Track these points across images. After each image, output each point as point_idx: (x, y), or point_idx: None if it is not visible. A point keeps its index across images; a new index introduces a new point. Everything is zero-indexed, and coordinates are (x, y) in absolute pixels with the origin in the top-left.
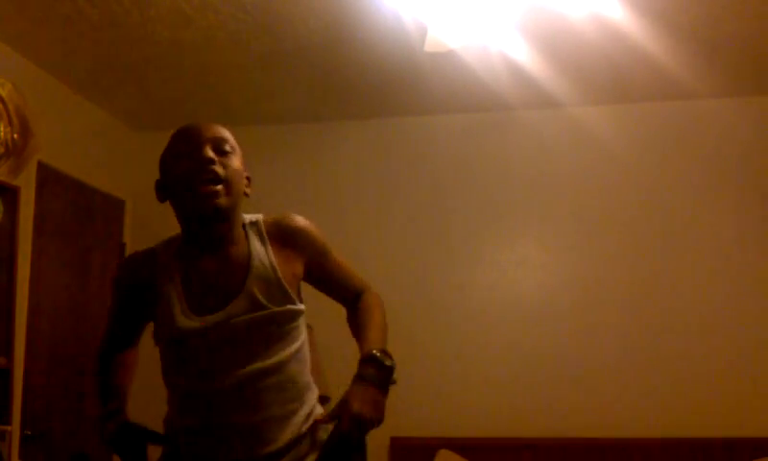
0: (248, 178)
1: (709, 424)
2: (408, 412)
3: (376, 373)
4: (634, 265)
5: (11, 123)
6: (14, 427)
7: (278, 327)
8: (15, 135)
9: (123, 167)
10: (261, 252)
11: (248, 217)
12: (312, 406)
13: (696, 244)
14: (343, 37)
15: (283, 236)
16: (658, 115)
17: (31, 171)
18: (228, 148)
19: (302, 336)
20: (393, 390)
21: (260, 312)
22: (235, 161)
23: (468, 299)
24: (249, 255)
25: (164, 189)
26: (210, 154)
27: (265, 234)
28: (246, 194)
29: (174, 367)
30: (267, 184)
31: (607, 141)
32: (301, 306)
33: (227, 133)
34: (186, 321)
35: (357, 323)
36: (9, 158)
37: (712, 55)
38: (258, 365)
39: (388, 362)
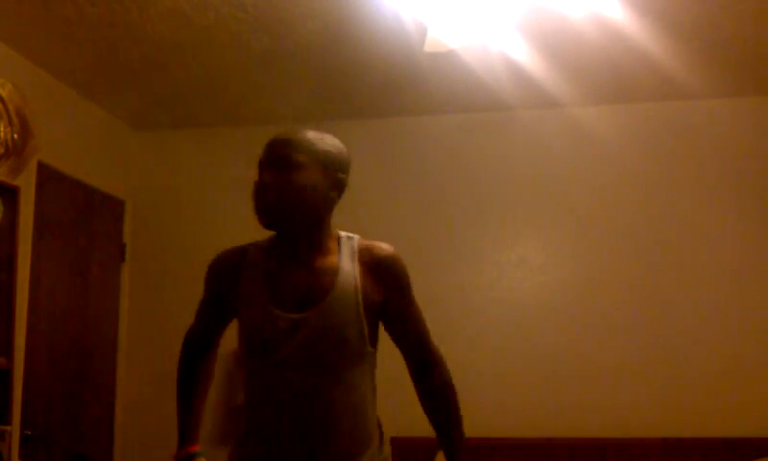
0: (338, 179)
1: (709, 424)
2: (408, 412)
3: None
4: (633, 265)
5: (11, 123)
6: (14, 427)
7: (344, 356)
8: (15, 135)
9: (123, 167)
10: (349, 270)
11: (344, 234)
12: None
13: (696, 244)
14: (343, 37)
15: (370, 261)
16: (658, 115)
17: (31, 171)
18: (291, 165)
19: (369, 377)
20: (392, 390)
21: (330, 333)
22: (300, 177)
23: (468, 299)
24: (337, 270)
25: None
26: (266, 178)
27: (356, 254)
28: (330, 199)
29: (254, 385)
30: None
31: (607, 141)
32: (371, 350)
33: (295, 147)
34: (267, 319)
35: (437, 416)
36: (9, 158)
37: (713, 55)
38: (327, 390)
39: None
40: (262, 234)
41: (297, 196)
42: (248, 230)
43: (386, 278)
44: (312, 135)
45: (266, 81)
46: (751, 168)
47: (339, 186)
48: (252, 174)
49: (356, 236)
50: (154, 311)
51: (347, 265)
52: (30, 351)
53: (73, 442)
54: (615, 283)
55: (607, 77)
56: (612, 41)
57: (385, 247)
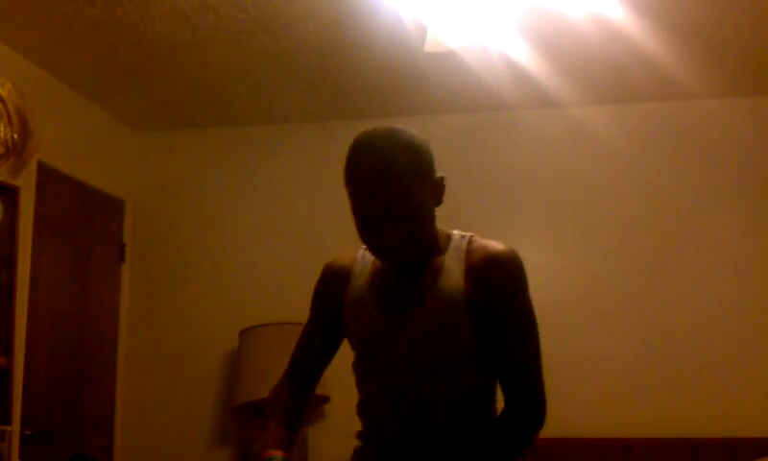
0: (438, 182)
1: (709, 424)
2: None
3: None
4: (634, 265)
5: (11, 123)
6: (14, 427)
7: (447, 358)
8: (15, 135)
9: (123, 167)
10: (454, 269)
11: (458, 233)
12: None
13: (696, 244)
14: (343, 38)
15: (478, 260)
16: (658, 115)
17: (31, 171)
18: (402, 214)
19: (477, 381)
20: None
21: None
22: (417, 220)
23: None
24: (441, 270)
25: None
26: (388, 237)
27: (464, 254)
28: (435, 204)
29: (363, 390)
30: (266, 184)
31: (607, 141)
32: (479, 350)
33: (397, 192)
34: (371, 323)
35: (503, 429)
36: (9, 158)
37: (712, 55)
38: (426, 398)
39: None
40: (262, 235)
41: (422, 236)
42: (247, 230)
43: (491, 278)
44: (402, 157)
45: (266, 81)
46: (751, 168)
47: (440, 187)
48: (246, 174)
49: (470, 235)
50: (154, 311)
51: (452, 265)
52: (30, 351)
53: (73, 442)
54: (615, 283)
55: (607, 77)
56: (611, 41)
57: (497, 246)
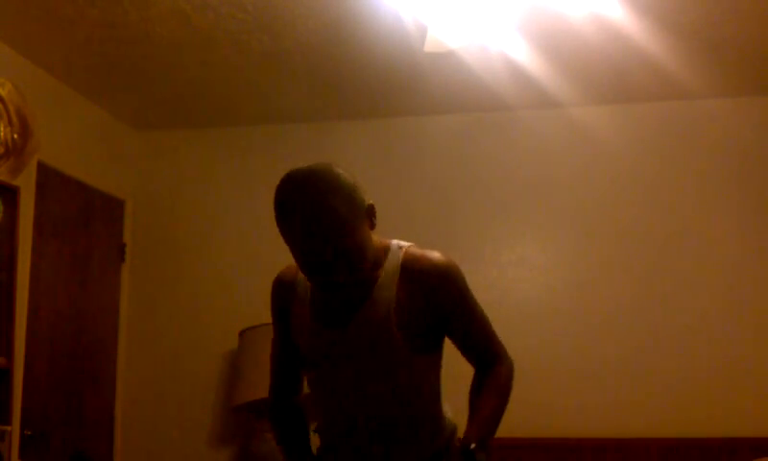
0: (369, 208)
1: (709, 424)
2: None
3: None
4: (633, 265)
5: (11, 123)
6: (14, 427)
7: (382, 363)
8: (15, 135)
9: (123, 167)
10: (388, 282)
11: (395, 243)
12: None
13: (696, 244)
14: (343, 37)
15: (413, 273)
16: (658, 115)
17: (31, 171)
18: (344, 244)
19: (414, 380)
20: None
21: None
22: (355, 245)
23: None
24: (374, 283)
25: None
26: (333, 279)
27: (399, 265)
28: (370, 227)
29: (314, 393)
30: (266, 184)
31: (607, 141)
32: (413, 354)
33: (337, 226)
34: (311, 335)
35: (474, 399)
36: (9, 158)
37: (712, 55)
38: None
39: (480, 458)
40: (263, 234)
41: (360, 265)
42: (247, 230)
43: (431, 290)
44: (337, 202)
45: (266, 81)
46: (751, 168)
47: (372, 213)
48: (246, 172)
49: (407, 245)
50: (153, 311)
51: (386, 277)
52: (30, 351)
53: (73, 441)
54: (615, 283)
55: (607, 77)
56: (611, 41)
57: (432, 258)
